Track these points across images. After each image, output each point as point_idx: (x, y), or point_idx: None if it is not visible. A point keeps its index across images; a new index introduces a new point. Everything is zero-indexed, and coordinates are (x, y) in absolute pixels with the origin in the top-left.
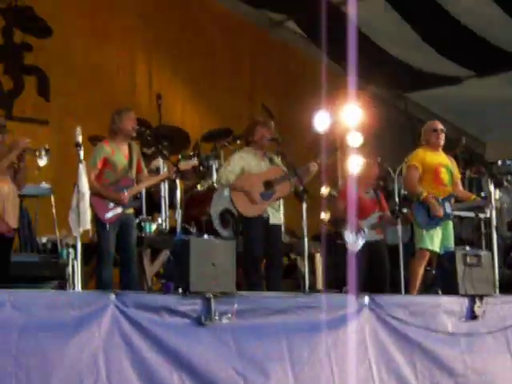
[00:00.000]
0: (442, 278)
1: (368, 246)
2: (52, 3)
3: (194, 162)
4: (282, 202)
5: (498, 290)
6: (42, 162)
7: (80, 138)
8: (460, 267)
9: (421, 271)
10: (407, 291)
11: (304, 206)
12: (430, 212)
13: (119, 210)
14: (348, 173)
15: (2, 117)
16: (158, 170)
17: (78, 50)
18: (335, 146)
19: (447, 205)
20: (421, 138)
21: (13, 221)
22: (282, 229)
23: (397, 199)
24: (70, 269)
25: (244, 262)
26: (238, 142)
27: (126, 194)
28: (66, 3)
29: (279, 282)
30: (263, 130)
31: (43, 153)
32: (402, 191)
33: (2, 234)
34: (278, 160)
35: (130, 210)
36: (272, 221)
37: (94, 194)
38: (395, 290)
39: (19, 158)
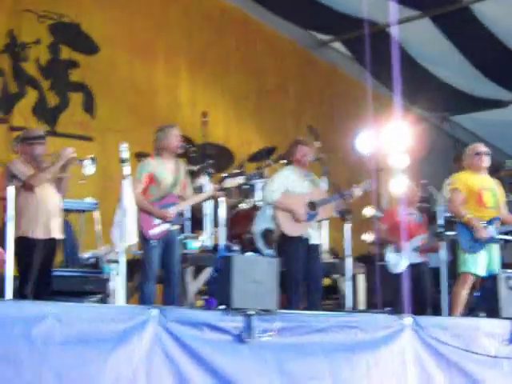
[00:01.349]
0: (485, 300)
1: (411, 268)
2: (99, 21)
3: (239, 180)
4: (326, 222)
5: None
6: (89, 171)
7: (125, 154)
8: (503, 290)
9: (464, 295)
10: (450, 314)
11: (347, 226)
12: (474, 235)
13: (166, 226)
14: (392, 194)
15: (40, 128)
16: (201, 188)
17: (124, 68)
18: (379, 167)
19: (491, 228)
20: (464, 161)
21: (58, 232)
22: (325, 249)
23: (439, 221)
24: (112, 284)
25: (285, 283)
26: (282, 161)
27: (172, 211)
28: (112, 21)
29: (319, 302)
30: (304, 149)
31: (90, 162)
32: (446, 214)
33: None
34: (318, 181)
35: (175, 227)
36: (312, 241)
37: (140, 209)
38: (437, 313)
39: (62, 169)
